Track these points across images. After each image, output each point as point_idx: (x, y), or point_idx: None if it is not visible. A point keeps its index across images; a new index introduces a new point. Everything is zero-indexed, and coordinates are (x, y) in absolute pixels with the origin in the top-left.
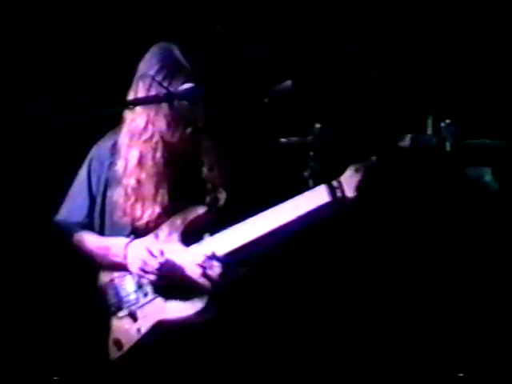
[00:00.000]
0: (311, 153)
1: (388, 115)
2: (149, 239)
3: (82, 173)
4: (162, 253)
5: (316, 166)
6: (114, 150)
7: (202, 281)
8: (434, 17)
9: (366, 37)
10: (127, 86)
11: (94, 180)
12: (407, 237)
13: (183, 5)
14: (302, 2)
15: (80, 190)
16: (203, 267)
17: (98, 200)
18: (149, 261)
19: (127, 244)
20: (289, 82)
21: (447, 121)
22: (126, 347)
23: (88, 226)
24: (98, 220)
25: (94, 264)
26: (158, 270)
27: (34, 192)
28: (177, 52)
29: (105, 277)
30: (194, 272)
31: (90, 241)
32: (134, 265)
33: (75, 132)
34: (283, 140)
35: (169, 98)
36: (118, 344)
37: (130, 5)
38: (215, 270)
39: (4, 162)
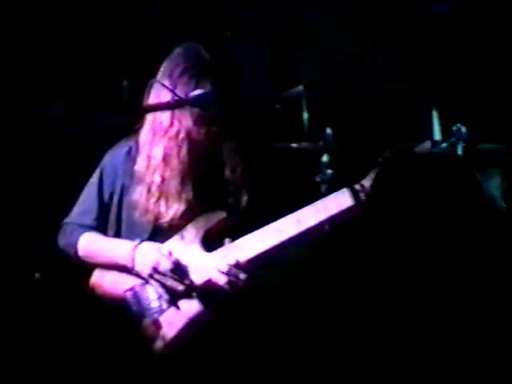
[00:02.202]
0: (324, 158)
1: (399, 120)
2: (175, 240)
3: (94, 178)
4: (170, 253)
5: (328, 171)
6: (128, 156)
7: (226, 288)
8: (444, 22)
9: (377, 41)
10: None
11: (106, 186)
12: (417, 240)
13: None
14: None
15: (90, 194)
16: (228, 275)
17: (114, 207)
18: (162, 260)
19: (136, 246)
20: (300, 87)
21: (458, 125)
22: (151, 355)
23: (97, 229)
24: (115, 225)
25: (98, 265)
26: (172, 270)
27: (48, 199)
28: (203, 52)
29: (124, 285)
30: (218, 279)
31: (98, 241)
32: (144, 266)
33: (91, 139)
34: (295, 145)
35: (183, 104)
36: (144, 352)
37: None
38: (241, 279)
39: (17, 168)
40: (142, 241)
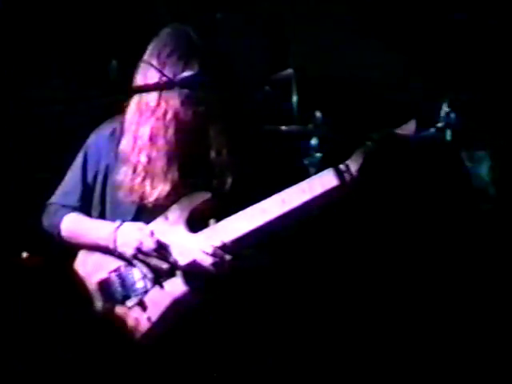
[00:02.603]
0: (313, 141)
1: (390, 103)
2: (159, 221)
3: (78, 160)
4: (152, 233)
5: (317, 154)
6: (112, 137)
7: (211, 269)
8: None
9: (367, 21)
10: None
11: (89, 167)
12: (404, 225)
13: None
14: None
15: (74, 175)
16: (214, 256)
17: (98, 188)
18: (145, 240)
19: (117, 227)
20: (290, 70)
21: (447, 109)
22: (137, 336)
23: (80, 210)
24: (99, 206)
25: (81, 246)
26: (156, 249)
27: (34, 179)
28: (192, 34)
29: (108, 266)
30: (203, 260)
31: (80, 222)
32: (127, 247)
33: (77, 120)
34: (284, 128)
35: (171, 85)
36: (130, 334)
37: None
38: (226, 260)
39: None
40: (124, 221)
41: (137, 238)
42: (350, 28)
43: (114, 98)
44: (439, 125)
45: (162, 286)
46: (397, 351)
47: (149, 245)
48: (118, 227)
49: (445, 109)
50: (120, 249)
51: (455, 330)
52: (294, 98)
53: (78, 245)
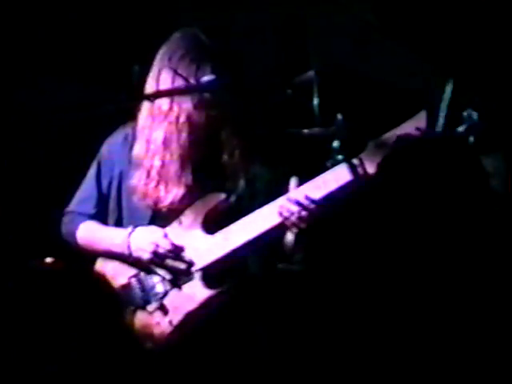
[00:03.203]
0: (335, 144)
1: (410, 108)
2: (174, 225)
3: (92, 168)
4: (165, 234)
5: (339, 157)
6: (125, 143)
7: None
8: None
9: (389, 23)
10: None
11: (103, 174)
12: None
13: None
14: None
15: (88, 184)
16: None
17: (113, 194)
18: (160, 242)
19: (130, 233)
20: (311, 73)
21: (469, 110)
22: (159, 341)
23: (96, 217)
24: (115, 213)
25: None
26: (171, 250)
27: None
28: (203, 37)
29: (127, 272)
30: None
31: (95, 230)
32: (142, 251)
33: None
34: (306, 131)
35: (191, 89)
36: (151, 339)
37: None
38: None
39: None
40: (136, 227)
41: (151, 241)
42: (371, 29)
43: (137, 102)
44: (460, 128)
45: (180, 289)
46: (397, 351)
47: (164, 246)
48: (131, 233)
49: (468, 112)
50: (135, 254)
51: (461, 329)
52: (316, 101)
53: (95, 252)
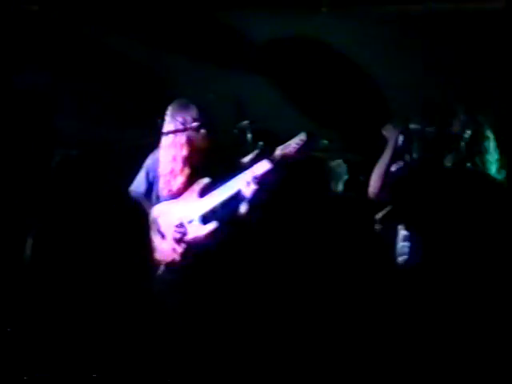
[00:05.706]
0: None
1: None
2: (182, 196)
3: (142, 170)
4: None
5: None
6: (157, 160)
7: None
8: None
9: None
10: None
11: (150, 174)
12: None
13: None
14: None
15: (142, 177)
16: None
17: (155, 187)
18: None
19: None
20: (246, 122)
21: (463, 117)
22: (172, 264)
23: (146, 195)
24: (156, 198)
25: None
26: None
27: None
28: (190, 104)
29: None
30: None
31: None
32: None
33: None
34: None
35: (184, 130)
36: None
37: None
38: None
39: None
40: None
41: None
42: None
43: (158, 137)
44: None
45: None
46: (397, 350)
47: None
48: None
49: (462, 117)
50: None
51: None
52: (249, 136)
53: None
